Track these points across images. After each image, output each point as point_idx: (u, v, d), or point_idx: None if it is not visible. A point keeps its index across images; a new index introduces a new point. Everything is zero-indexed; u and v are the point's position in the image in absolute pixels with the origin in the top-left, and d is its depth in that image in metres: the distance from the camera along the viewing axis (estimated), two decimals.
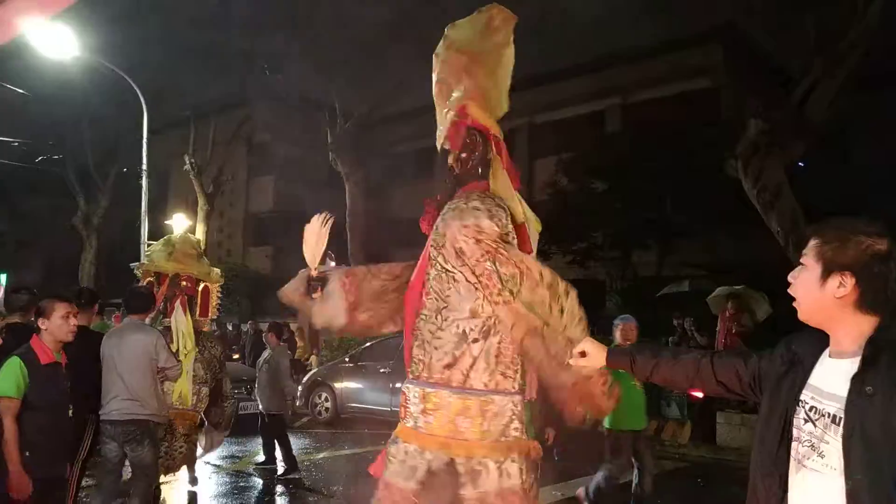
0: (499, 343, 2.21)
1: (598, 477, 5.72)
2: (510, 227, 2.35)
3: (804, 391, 1.69)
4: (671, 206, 16.29)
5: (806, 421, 1.66)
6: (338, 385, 11.82)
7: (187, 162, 20.48)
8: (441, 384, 2.25)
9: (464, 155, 2.52)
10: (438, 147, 2.61)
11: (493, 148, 2.52)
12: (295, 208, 28.07)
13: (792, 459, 1.68)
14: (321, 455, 9.14)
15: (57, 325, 3.65)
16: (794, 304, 1.74)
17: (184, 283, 6.08)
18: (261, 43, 16.31)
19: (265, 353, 8.37)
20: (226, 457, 8.64)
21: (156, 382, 4.89)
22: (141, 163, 17.80)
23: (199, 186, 20.71)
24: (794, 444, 1.68)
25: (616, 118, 21.70)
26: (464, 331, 2.23)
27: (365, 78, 15.00)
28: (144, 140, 17.65)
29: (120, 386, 4.70)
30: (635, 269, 18.29)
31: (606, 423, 5.62)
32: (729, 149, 11.01)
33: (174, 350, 5.66)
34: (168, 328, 5.86)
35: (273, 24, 15.62)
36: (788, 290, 1.75)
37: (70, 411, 3.80)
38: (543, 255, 20.06)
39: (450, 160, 2.54)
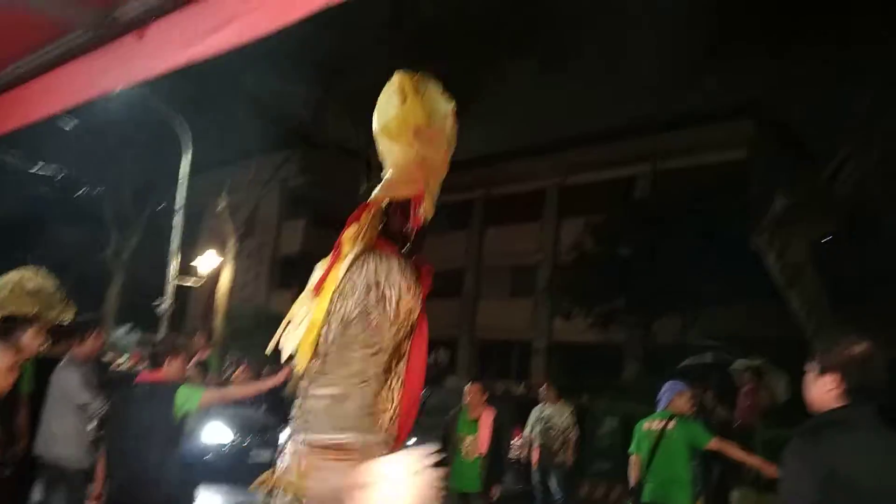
0: None
1: None
2: None
3: None
4: (696, 276, 16.24)
5: None
6: None
7: (221, 203, 20.87)
8: None
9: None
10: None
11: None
12: (322, 253, 28.47)
13: None
14: None
15: None
16: None
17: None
18: (303, 90, 16.81)
19: None
20: None
21: (79, 424, 4.54)
22: (175, 200, 18.22)
23: (232, 227, 21.07)
24: None
25: (646, 184, 21.85)
26: None
27: None
28: (183, 179, 18.10)
29: (46, 422, 4.54)
30: (656, 337, 18.15)
31: None
32: (755, 221, 11.04)
33: None
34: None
35: (316, 73, 16.13)
36: None
37: None
38: (566, 317, 20.05)
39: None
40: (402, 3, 12.82)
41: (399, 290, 2.17)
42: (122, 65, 1.82)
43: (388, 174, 2.24)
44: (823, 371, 2.10)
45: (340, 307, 2.19)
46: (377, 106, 2.27)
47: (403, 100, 2.24)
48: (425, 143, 2.25)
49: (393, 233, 2.32)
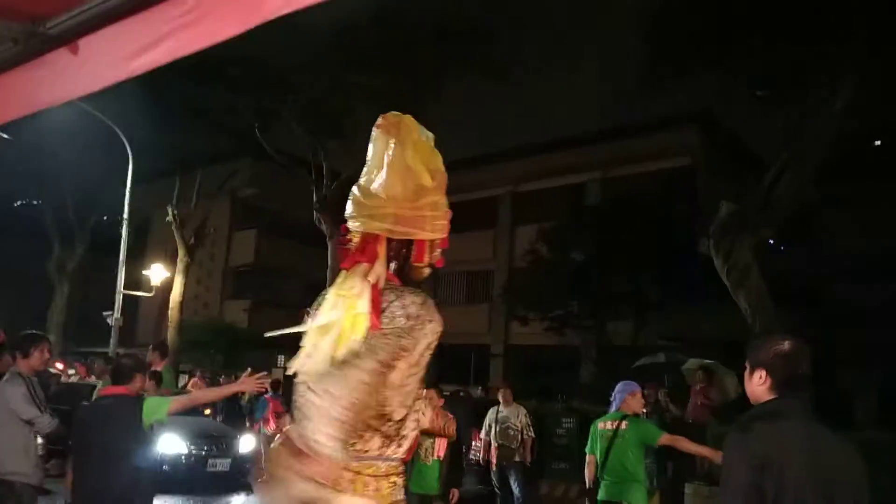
0: None
1: None
2: None
3: None
4: (647, 279, 16.55)
5: None
6: None
7: (170, 213, 20.43)
8: None
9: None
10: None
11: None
12: (275, 263, 28.19)
13: None
14: None
15: None
16: None
17: None
18: (252, 100, 16.61)
19: None
20: None
21: (26, 438, 4.54)
22: (122, 211, 17.78)
23: (181, 238, 20.61)
24: None
25: (596, 191, 22.22)
26: None
27: (353, 141, 15.30)
28: (128, 189, 17.69)
29: None
30: (610, 339, 18.43)
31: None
32: (703, 226, 11.34)
33: None
34: None
35: (265, 83, 15.96)
36: None
37: None
38: (522, 321, 20.24)
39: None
40: (349, 15, 12.77)
41: (426, 322, 2.12)
42: (56, 80, 1.77)
43: (389, 208, 2.14)
44: (753, 367, 2.30)
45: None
46: (391, 141, 2.19)
47: (417, 139, 2.23)
48: (441, 186, 2.24)
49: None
